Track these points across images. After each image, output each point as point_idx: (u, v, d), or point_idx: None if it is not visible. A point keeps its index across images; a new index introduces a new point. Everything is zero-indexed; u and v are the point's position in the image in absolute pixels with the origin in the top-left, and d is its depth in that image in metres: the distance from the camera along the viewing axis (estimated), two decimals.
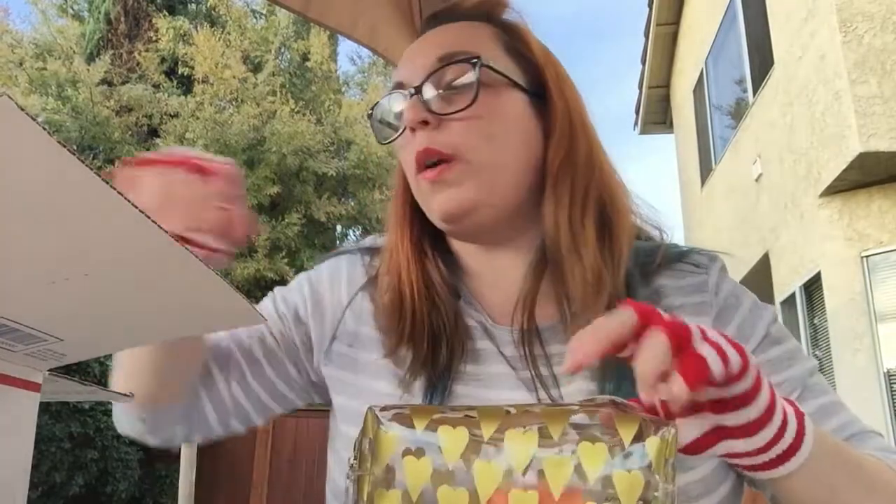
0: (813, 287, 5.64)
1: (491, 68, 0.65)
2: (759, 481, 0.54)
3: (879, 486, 0.54)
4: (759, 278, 6.65)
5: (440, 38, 0.70)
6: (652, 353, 0.41)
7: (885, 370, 4.90)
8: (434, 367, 0.66)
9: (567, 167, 0.67)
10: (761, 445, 0.46)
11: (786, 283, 6.12)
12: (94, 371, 6.22)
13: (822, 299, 5.42)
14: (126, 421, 0.75)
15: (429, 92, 0.66)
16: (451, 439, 0.44)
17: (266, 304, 0.79)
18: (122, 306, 0.43)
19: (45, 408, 5.63)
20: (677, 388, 0.41)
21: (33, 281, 0.37)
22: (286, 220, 9.99)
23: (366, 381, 0.70)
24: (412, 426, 0.45)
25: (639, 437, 0.42)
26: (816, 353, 5.79)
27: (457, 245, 0.73)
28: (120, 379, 0.71)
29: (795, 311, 6.00)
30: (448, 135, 0.64)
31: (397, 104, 0.69)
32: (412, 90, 0.66)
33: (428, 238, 0.72)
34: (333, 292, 0.76)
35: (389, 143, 0.70)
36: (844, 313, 5.15)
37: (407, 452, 0.45)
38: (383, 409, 0.46)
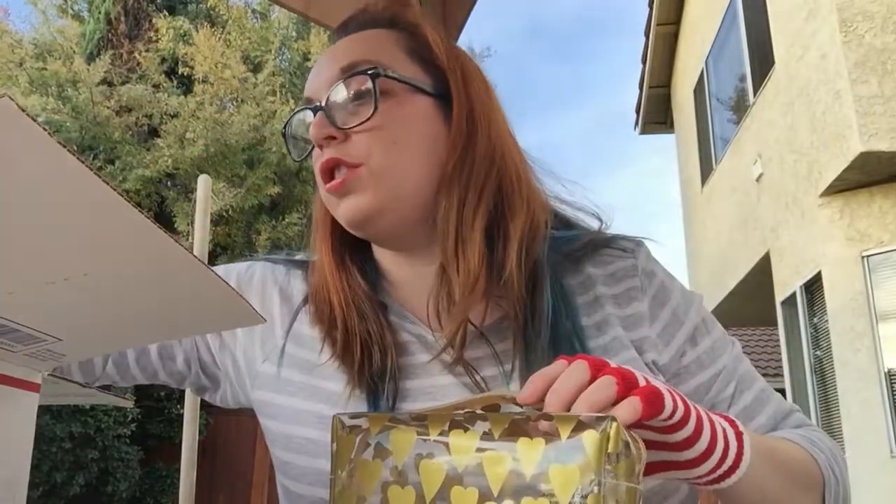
0: (814, 287, 5.64)
1: (389, 76, 0.65)
2: None
3: (801, 476, 0.60)
4: (760, 278, 6.65)
5: (344, 48, 0.69)
6: (598, 391, 0.44)
7: (886, 370, 4.90)
8: (372, 386, 0.64)
9: (462, 167, 0.66)
10: (702, 473, 0.50)
11: (787, 282, 6.12)
12: None
13: (823, 299, 5.42)
14: None
15: (334, 106, 0.65)
16: (400, 441, 0.47)
17: None
18: (122, 306, 0.43)
19: (45, 408, 5.64)
20: (631, 408, 0.43)
21: (33, 281, 0.37)
22: (286, 220, 9.99)
23: (302, 405, 0.67)
24: (368, 431, 0.48)
25: (577, 433, 0.42)
26: (817, 352, 5.79)
27: (378, 253, 0.72)
28: None
29: (796, 311, 6.00)
30: (353, 146, 0.64)
31: (308, 119, 0.68)
32: (318, 105, 0.66)
33: (349, 251, 0.71)
34: (264, 307, 0.73)
35: (302, 159, 0.70)
36: (845, 313, 5.15)
37: (361, 455, 0.48)
38: (348, 415, 0.49)
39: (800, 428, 0.69)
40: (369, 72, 0.64)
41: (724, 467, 0.49)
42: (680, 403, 0.47)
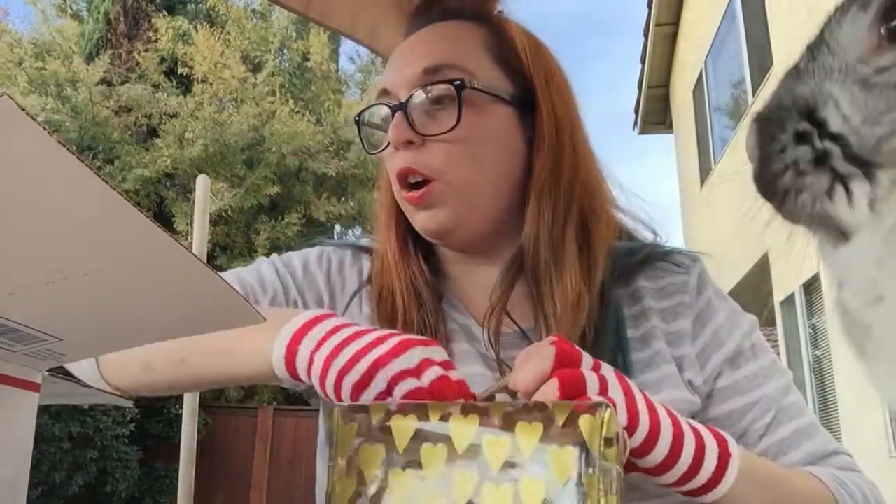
0: (812, 287, 5.64)
1: (474, 88, 0.64)
2: None
3: None
4: (759, 278, 6.65)
5: (428, 44, 0.68)
6: (542, 396, 0.48)
7: None
8: None
9: (553, 180, 0.66)
10: (669, 482, 0.51)
11: (785, 283, 6.12)
12: None
13: (822, 299, 5.42)
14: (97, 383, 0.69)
15: (414, 107, 0.64)
16: (400, 428, 0.48)
17: (266, 272, 0.76)
18: (122, 306, 0.43)
19: (44, 408, 5.64)
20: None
21: (33, 281, 0.37)
22: (286, 220, 9.98)
23: None
24: (368, 419, 0.49)
25: (574, 417, 0.44)
26: (816, 352, 5.79)
27: (440, 250, 0.74)
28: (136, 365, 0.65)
29: (795, 311, 6.00)
30: (430, 156, 0.64)
31: (384, 113, 0.68)
32: (397, 103, 0.65)
33: (412, 238, 0.72)
34: (330, 286, 0.75)
35: (376, 154, 0.70)
36: None
37: (362, 442, 0.49)
38: (348, 407, 0.51)
39: (843, 471, 0.65)
40: (455, 83, 0.63)
41: (697, 482, 0.50)
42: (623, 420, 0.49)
